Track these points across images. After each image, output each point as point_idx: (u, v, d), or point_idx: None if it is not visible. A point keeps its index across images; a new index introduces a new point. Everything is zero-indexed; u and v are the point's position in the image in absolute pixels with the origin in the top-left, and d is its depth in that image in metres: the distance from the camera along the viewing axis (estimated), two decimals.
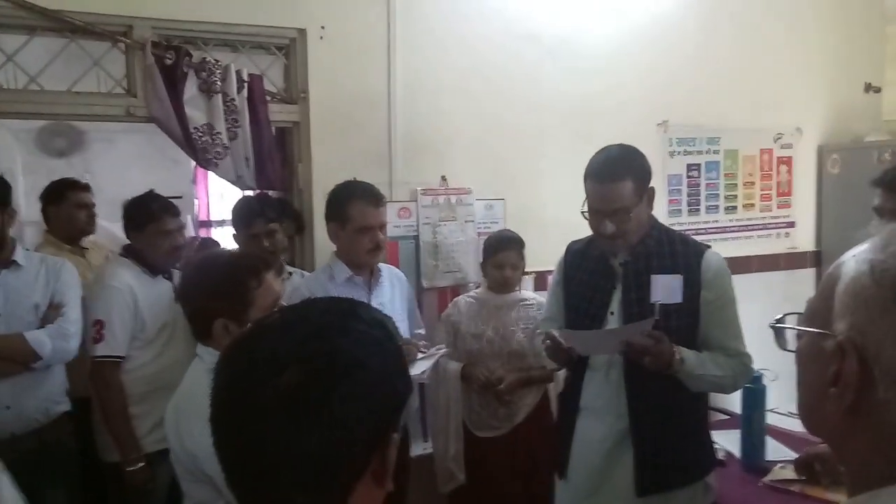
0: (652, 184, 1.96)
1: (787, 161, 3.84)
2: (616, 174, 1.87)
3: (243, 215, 2.71)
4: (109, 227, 3.54)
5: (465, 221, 3.09)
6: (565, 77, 3.25)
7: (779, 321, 0.80)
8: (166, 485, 2.46)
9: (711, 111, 3.58)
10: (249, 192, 2.91)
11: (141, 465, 2.41)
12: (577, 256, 2.11)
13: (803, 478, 2.02)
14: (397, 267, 2.79)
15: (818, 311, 0.71)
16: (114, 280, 2.45)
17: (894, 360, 0.61)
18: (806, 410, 0.74)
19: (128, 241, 2.60)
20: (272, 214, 2.69)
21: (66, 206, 3.07)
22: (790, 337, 0.78)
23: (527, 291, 2.81)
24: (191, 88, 2.63)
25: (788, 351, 0.78)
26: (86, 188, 3.20)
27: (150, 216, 2.51)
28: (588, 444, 1.99)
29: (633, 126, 3.29)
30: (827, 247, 3.91)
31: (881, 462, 0.64)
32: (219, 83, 2.65)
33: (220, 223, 5.88)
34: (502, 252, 2.67)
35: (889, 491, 0.61)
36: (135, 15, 2.57)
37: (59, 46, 2.58)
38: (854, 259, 0.68)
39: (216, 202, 5.87)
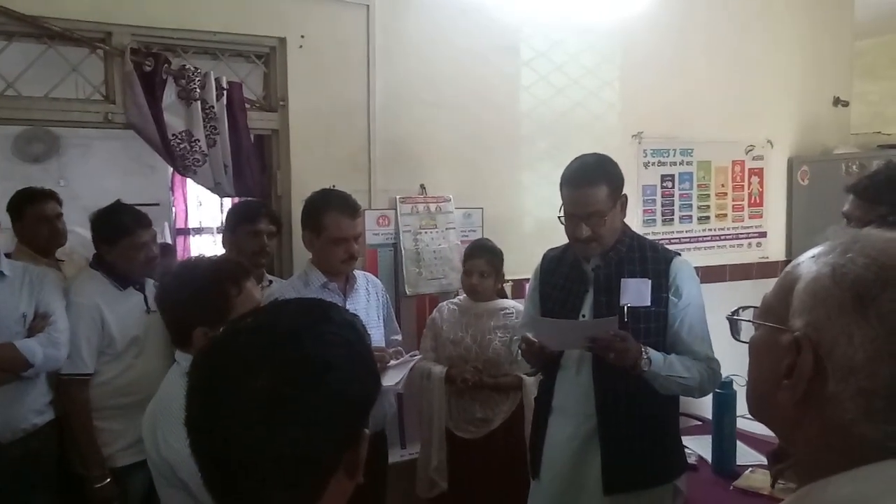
0: (626, 193, 2.02)
1: (759, 172, 3.92)
2: (591, 179, 1.93)
3: (248, 211, 2.71)
4: (85, 234, 3.50)
5: (447, 229, 3.10)
6: (543, 89, 3.30)
7: (734, 313, 0.84)
8: (140, 495, 2.45)
9: (685, 124, 3.65)
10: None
11: (106, 481, 2.38)
12: (553, 263, 2.16)
13: (774, 480, 2.05)
14: (376, 275, 2.81)
15: (774, 307, 0.75)
16: (79, 296, 2.40)
17: (847, 356, 0.65)
18: (756, 398, 0.77)
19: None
20: (273, 216, 2.74)
21: (26, 222, 2.95)
22: (745, 328, 0.82)
23: (507, 300, 2.84)
24: (170, 95, 2.62)
25: (742, 342, 0.81)
26: (48, 197, 3.02)
27: (123, 230, 2.44)
28: (558, 443, 2.04)
29: (609, 137, 3.36)
30: (797, 256, 3.98)
31: (829, 451, 0.67)
32: (198, 90, 2.65)
33: (199, 231, 5.84)
34: (471, 260, 2.74)
35: (838, 478, 0.65)
36: (114, 22, 2.57)
37: (37, 52, 2.56)
38: (813, 261, 0.72)
39: (194, 209, 5.83)
